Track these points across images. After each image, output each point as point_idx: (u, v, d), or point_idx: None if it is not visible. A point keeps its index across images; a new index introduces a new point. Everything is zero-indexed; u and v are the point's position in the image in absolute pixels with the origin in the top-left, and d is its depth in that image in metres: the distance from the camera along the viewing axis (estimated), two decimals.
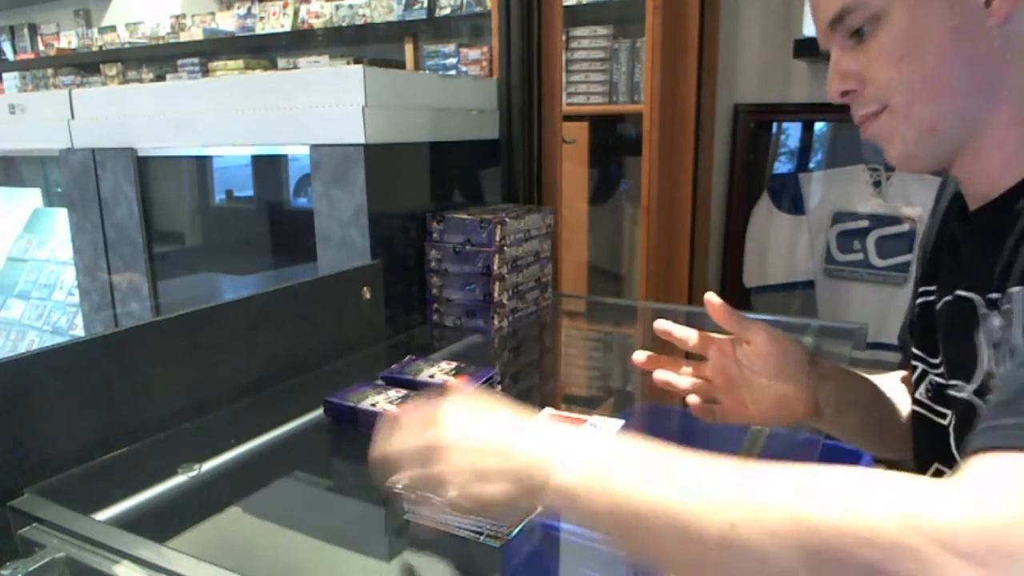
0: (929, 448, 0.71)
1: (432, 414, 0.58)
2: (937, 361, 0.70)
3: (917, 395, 0.73)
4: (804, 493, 0.42)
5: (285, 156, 1.66)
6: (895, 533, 0.38)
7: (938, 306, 0.68)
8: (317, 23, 3.25)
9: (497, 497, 0.53)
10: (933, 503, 0.39)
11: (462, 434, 0.56)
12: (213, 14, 3.69)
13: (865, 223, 1.99)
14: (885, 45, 0.60)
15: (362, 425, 0.90)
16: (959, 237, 0.67)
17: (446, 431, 0.56)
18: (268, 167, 1.74)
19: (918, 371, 0.73)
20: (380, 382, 1.04)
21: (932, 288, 0.71)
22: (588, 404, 1.18)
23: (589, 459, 0.50)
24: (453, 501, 0.56)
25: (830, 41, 0.65)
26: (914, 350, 0.74)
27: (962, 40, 0.58)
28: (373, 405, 0.91)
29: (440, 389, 0.63)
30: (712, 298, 0.76)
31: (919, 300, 0.74)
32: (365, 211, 1.21)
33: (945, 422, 0.68)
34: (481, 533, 0.67)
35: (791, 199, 2.10)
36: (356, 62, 3.10)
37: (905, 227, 1.93)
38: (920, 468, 0.72)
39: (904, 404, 0.83)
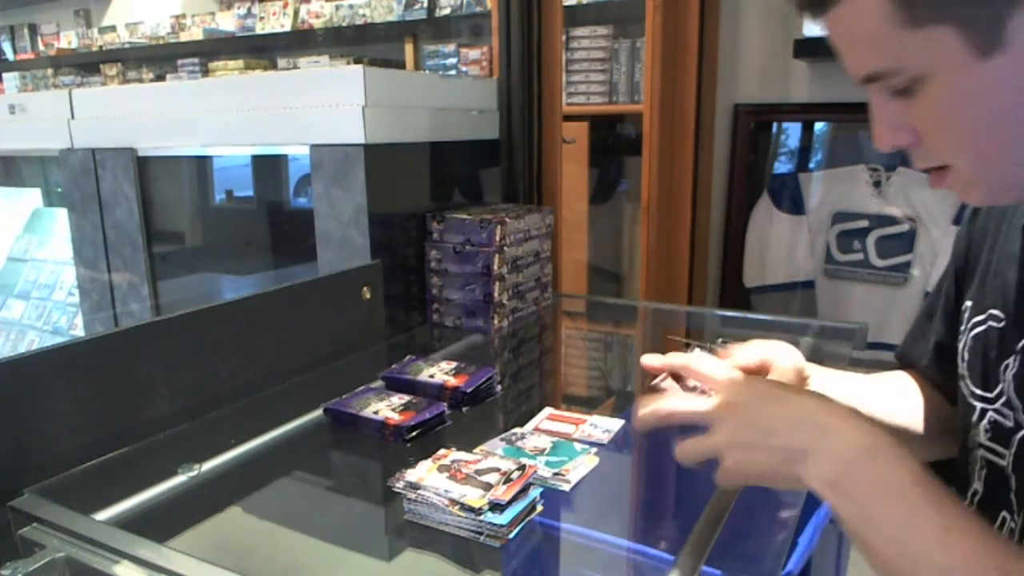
0: (993, 494, 0.67)
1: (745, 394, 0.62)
2: (993, 395, 0.67)
3: (978, 438, 0.69)
4: None
5: (285, 156, 1.66)
6: None
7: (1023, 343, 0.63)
8: (317, 23, 3.26)
9: (763, 473, 0.58)
10: None
11: (749, 412, 0.60)
12: (213, 14, 3.69)
13: (865, 223, 1.99)
14: (937, 110, 0.54)
15: (363, 430, 0.90)
16: None
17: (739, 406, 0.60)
18: (268, 167, 1.74)
19: (976, 411, 0.69)
20: (380, 383, 1.04)
21: (998, 314, 0.67)
22: (588, 404, 1.18)
23: (845, 461, 0.54)
24: (727, 470, 0.60)
25: (867, 90, 0.58)
26: (970, 387, 0.70)
27: None
28: (376, 413, 0.91)
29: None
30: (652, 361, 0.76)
31: (976, 329, 0.69)
32: (365, 211, 1.21)
33: (1004, 462, 0.66)
34: (481, 533, 0.67)
35: (791, 199, 2.11)
36: (356, 62, 3.10)
37: (905, 227, 1.93)
38: (986, 517, 0.67)
39: (898, 404, 0.82)
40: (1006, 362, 0.65)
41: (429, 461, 0.76)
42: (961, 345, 0.73)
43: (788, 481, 0.57)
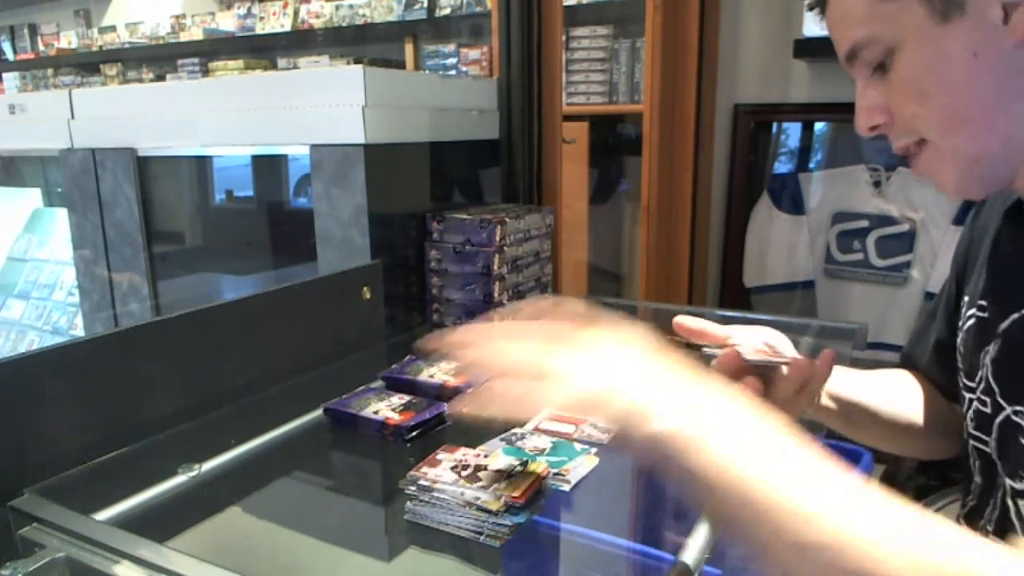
0: (991, 483, 0.67)
1: (561, 332, 0.55)
2: (975, 383, 0.67)
3: (968, 429, 0.69)
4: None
5: (285, 156, 1.66)
6: None
7: (1003, 325, 0.64)
8: (317, 23, 3.26)
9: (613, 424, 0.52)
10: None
11: (577, 366, 0.52)
12: (213, 14, 3.69)
13: (865, 223, 1.99)
14: (904, 79, 0.57)
15: (363, 430, 0.90)
16: None
17: (567, 358, 0.53)
18: (268, 167, 1.74)
19: (965, 401, 0.70)
20: (380, 383, 1.04)
21: (983, 303, 0.68)
22: None
23: (685, 416, 0.48)
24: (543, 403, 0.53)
25: (853, 73, 0.62)
26: (963, 379, 0.71)
27: (983, 65, 0.54)
28: (376, 413, 0.91)
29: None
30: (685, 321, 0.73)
31: (968, 322, 0.70)
32: (365, 211, 1.21)
33: (989, 449, 0.66)
34: (481, 533, 0.67)
35: (791, 199, 2.10)
36: (356, 62, 3.10)
37: (905, 227, 1.93)
38: (982, 505, 0.68)
39: (899, 400, 0.82)
40: (986, 348, 0.66)
41: (439, 461, 0.76)
42: (959, 340, 0.73)
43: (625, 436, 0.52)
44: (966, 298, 0.73)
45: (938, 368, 0.82)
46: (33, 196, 2.09)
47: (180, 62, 3.85)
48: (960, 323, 0.73)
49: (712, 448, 0.47)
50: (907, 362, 0.89)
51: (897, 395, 0.83)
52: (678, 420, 0.48)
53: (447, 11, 2.89)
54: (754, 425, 0.49)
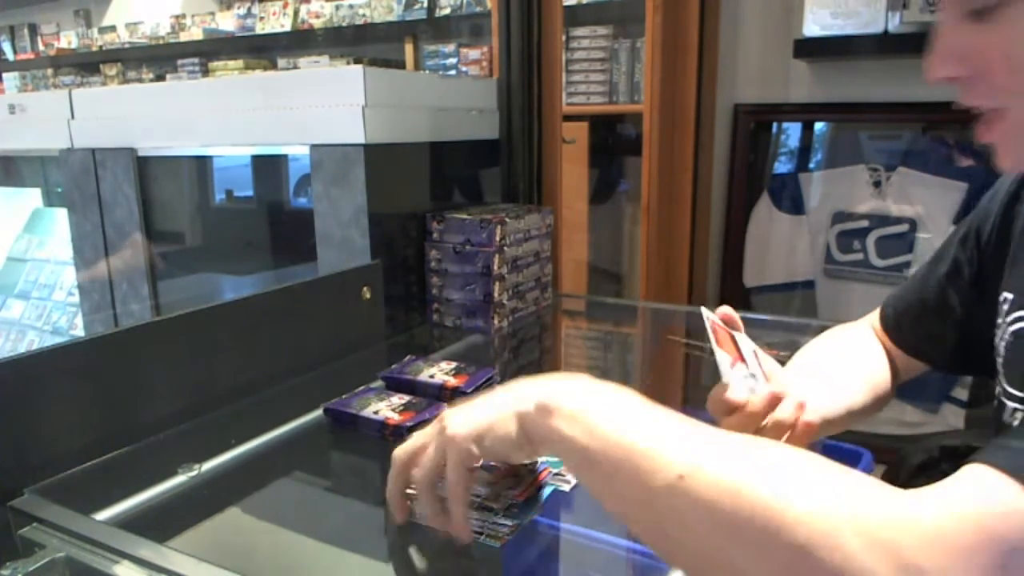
0: None
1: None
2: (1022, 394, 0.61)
3: None
4: (751, 465, 0.43)
5: (285, 156, 1.66)
6: (822, 523, 0.37)
7: None
8: (317, 23, 3.26)
9: (500, 444, 0.57)
10: (877, 502, 0.38)
11: (459, 411, 0.61)
12: (213, 14, 3.69)
13: (865, 223, 1.99)
14: (1010, 42, 0.47)
15: (363, 430, 0.90)
16: None
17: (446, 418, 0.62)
18: (268, 167, 1.74)
19: (1007, 410, 0.63)
20: (380, 383, 1.04)
21: None
22: None
23: (574, 397, 0.54)
24: (461, 463, 0.59)
25: (941, 2, 0.52)
26: (1006, 387, 0.64)
27: None
28: (376, 412, 0.91)
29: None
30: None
31: (1018, 325, 0.62)
32: (365, 211, 1.21)
33: None
34: (481, 533, 0.67)
35: (791, 199, 2.11)
36: (356, 62, 3.10)
37: (905, 227, 1.93)
38: None
39: (873, 388, 0.79)
40: None
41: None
42: (997, 339, 0.66)
43: (523, 437, 0.56)
44: (1008, 295, 0.66)
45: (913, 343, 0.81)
46: (33, 196, 2.09)
47: (180, 62, 3.86)
48: (999, 319, 0.66)
49: (592, 420, 0.52)
50: (889, 326, 0.85)
51: (871, 385, 0.79)
52: (568, 404, 0.54)
53: (447, 11, 2.90)
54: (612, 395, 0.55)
